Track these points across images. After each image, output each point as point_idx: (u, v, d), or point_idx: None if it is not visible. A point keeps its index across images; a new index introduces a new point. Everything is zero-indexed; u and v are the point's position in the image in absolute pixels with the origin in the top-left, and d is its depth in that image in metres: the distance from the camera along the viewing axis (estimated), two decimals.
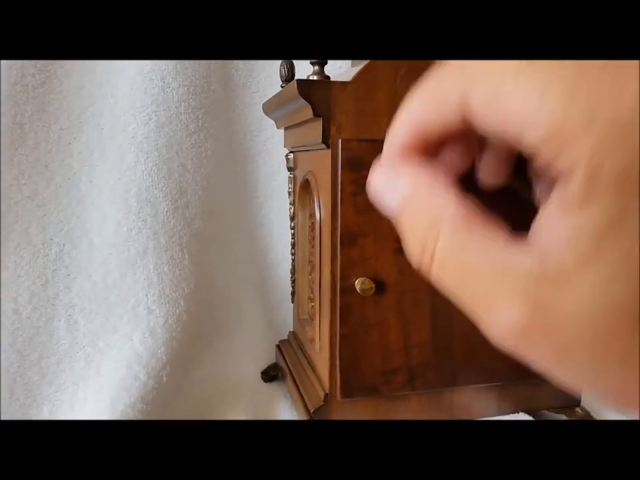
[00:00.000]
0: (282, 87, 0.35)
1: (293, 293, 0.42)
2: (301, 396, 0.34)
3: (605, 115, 0.10)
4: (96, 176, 0.38)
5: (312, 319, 0.36)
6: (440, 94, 0.13)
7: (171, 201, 0.38)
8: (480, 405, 0.32)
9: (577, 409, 0.34)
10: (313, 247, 0.35)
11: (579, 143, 0.10)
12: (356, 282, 0.29)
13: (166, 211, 0.37)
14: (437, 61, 0.14)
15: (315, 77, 0.28)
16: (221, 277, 0.41)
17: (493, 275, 0.11)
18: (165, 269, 0.36)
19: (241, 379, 0.39)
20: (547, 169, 0.11)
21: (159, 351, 0.34)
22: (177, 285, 0.36)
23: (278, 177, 0.48)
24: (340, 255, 0.29)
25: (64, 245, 0.36)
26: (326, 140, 0.28)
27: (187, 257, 0.38)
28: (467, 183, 0.15)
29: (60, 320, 0.35)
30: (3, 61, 0.35)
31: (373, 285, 0.28)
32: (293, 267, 0.41)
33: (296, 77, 0.34)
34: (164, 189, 0.38)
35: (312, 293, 0.36)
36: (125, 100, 0.38)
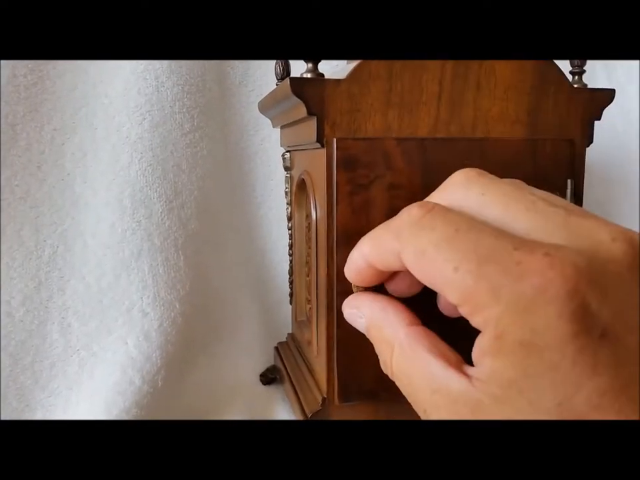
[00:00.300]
0: (277, 85, 0.34)
1: (291, 294, 0.41)
2: (299, 400, 0.33)
3: (508, 292, 0.12)
4: (90, 177, 0.37)
5: (309, 321, 0.36)
6: (382, 245, 0.16)
7: (165, 201, 0.37)
8: None
9: None
10: (309, 247, 0.34)
11: (488, 310, 0.13)
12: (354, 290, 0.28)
13: (161, 212, 0.37)
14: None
15: (309, 75, 0.27)
16: (217, 279, 0.41)
17: (430, 390, 0.14)
18: (160, 271, 0.36)
19: (238, 382, 0.39)
20: (467, 318, 0.13)
21: (154, 355, 0.33)
22: (172, 287, 0.36)
23: (276, 177, 0.47)
24: (337, 255, 0.28)
25: (57, 247, 0.36)
26: (320, 139, 0.27)
27: (182, 258, 0.37)
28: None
29: (53, 323, 0.34)
30: None
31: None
32: (291, 267, 0.40)
33: (291, 75, 0.34)
34: (158, 189, 0.37)
35: (309, 294, 0.36)
36: (118, 100, 0.38)
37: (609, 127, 0.51)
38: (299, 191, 0.36)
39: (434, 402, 0.14)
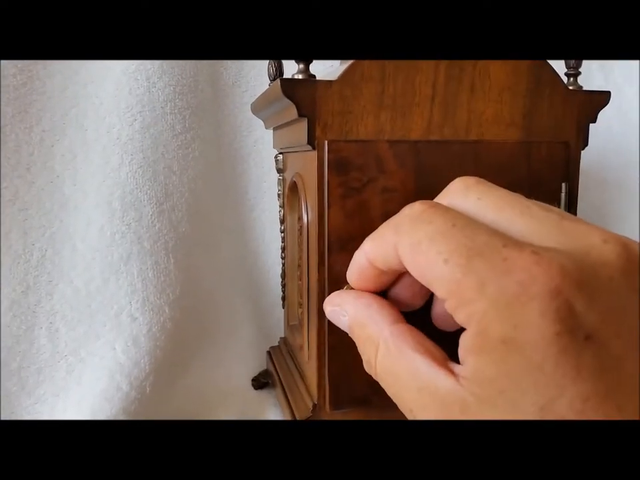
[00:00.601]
0: (270, 85, 0.34)
1: (283, 298, 0.41)
2: (290, 405, 0.33)
3: (494, 287, 0.12)
4: (79, 179, 0.37)
5: (301, 325, 0.35)
6: (383, 240, 0.16)
7: (156, 203, 0.37)
8: None
9: None
10: (301, 250, 0.34)
11: (473, 304, 0.12)
12: (345, 288, 0.28)
13: (151, 215, 0.36)
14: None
15: (300, 76, 0.27)
16: (209, 282, 0.40)
17: (417, 388, 0.14)
18: (149, 275, 0.35)
19: (229, 387, 0.38)
20: (452, 314, 0.13)
21: (142, 361, 0.33)
22: (161, 291, 0.35)
23: (269, 178, 0.47)
24: (328, 260, 0.28)
25: (46, 250, 0.35)
26: (311, 141, 0.27)
27: (172, 261, 0.37)
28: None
29: (41, 328, 0.34)
30: None
31: None
32: (283, 271, 0.40)
33: (284, 76, 0.33)
34: (149, 191, 0.37)
35: (301, 298, 0.35)
36: (109, 101, 0.37)
37: (605, 129, 0.51)
38: (291, 193, 0.36)
39: (420, 401, 0.14)
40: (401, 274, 0.17)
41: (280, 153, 0.38)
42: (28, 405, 0.32)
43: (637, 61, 0.53)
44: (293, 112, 0.27)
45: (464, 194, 0.16)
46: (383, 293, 0.18)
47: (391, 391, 0.15)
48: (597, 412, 0.11)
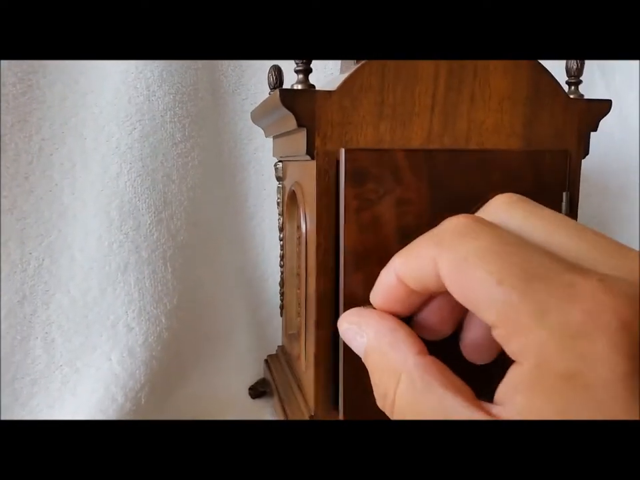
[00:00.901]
0: (270, 94, 0.33)
1: (281, 307, 0.40)
2: (286, 415, 0.32)
3: (556, 315, 0.11)
4: (78, 188, 0.37)
5: (299, 334, 0.35)
6: (418, 254, 0.14)
7: (154, 212, 0.36)
8: None
9: None
10: (300, 259, 0.34)
11: (531, 333, 0.11)
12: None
13: (149, 223, 0.36)
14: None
15: (299, 86, 0.27)
16: (207, 291, 0.40)
17: None
18: (147, 284, 0.35)
19: (226, 395, 0.38)
20: (501, 344, 0.12)
21: (137, 371, 0.32)
22: (158, 301, 0.35)
23: (269, 186, 0.46)
24: (344, 280, 0.26)
25: (43, 260, 0.35)
26: (310, 151, 0.26)
27: (170, 270, 0.36)
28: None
29: (37, 338, 0.33)
30: None
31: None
32: (282, 279, 0.40)
33: (284, 85, 0.33)
34: (147, 200, 0.36)
35: (300, 307, 0.35)
36: (109, 109, 0.37)
37: (606, 136, 0.51)
38: (290, 202, 0.36)
39: None
40: (430, 297, 0.16)
41: (279, 161, 0.38)
42: (22, 416, 0.32)
43: (637, 67, 0.52)
44: (292, 122, 0.27)
45: (508, 211, 0.14)
46: (406, 320, 0.16)
47: None
48: None
